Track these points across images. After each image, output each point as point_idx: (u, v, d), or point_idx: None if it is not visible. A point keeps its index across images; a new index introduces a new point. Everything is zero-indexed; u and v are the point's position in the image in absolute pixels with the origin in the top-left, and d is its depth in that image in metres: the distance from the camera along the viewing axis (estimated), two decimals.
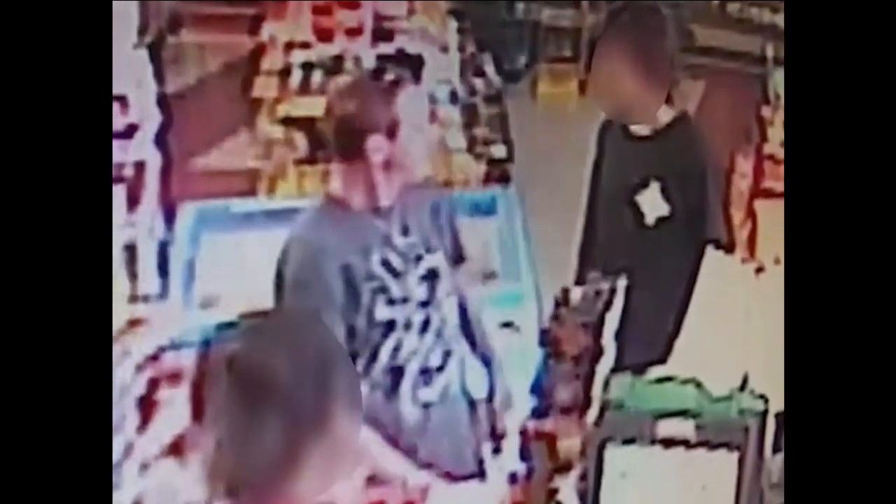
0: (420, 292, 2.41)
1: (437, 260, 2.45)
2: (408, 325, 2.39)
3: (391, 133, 2.29)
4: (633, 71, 2.61)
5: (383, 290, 2.35)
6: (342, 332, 2.30)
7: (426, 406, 2.42)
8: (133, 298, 3.03)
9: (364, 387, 2.34)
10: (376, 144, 2.29)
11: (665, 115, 2.70)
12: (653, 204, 2.69)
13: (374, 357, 2.37)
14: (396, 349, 2.38)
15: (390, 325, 2.37)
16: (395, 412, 2.39)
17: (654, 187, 2.68)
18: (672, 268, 2.48)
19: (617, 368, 2.05)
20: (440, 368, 2.44)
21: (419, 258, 2.41)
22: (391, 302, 2.36)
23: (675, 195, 2.66)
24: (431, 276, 2.43)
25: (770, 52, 4.02)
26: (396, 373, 2.39)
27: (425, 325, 2.41)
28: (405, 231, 2.40)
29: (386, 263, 2.36)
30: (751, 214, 3.73)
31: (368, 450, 2.28)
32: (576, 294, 2.27)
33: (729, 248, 2.50)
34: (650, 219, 2.70)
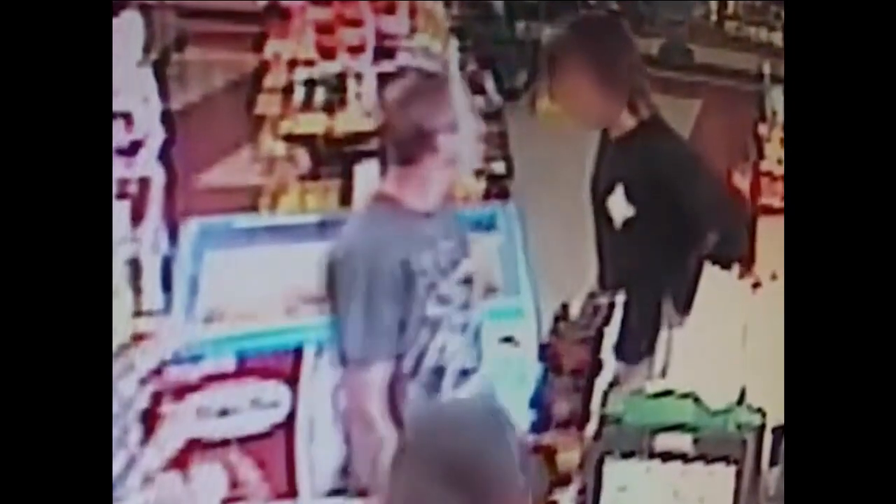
0: (460, 295, 2.50)
1: (471, 266, 2.56)
2: (451, 326, 2.47)
3: (453, 129, 2.41)
4: (591, 80, 2.71)
5: (433, 287, 2.44)
6: (396, 326, 2.38)
7: None
8: (137, 313, 3.05)
9: (414, 386, 2.43)
10: (443, 141, 2.40)
11: (629, 121, 2.77)
12: (619, 206, 2.75)
13: (422, 356, 2.44)
14: (442, 348, 2.46)
15: (438, 324, 2.45)
16: None
17: (619, 190, 2.74)
18: (649, 272, 2.55)
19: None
20: (474, 370, 2.53)
21: (456, 263, 2.51)
22: (440, 300, 2.46)
23: (642, 197, 2.71)
24: (467, 281, 2.53)
25: (767, 70, 4.05)
26: (440, 372, 2.47)
27: (464, 327, 2.50)
28: (446, 235, 2.51)
29: (435, 263, 2.46)
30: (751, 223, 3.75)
31: None
32: (574, 309, 2.30)
33: (741, 262, 2.50)
34: (618, 221, 2.76)
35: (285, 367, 3.17)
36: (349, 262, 2.39)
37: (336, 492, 2.50)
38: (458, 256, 2.52)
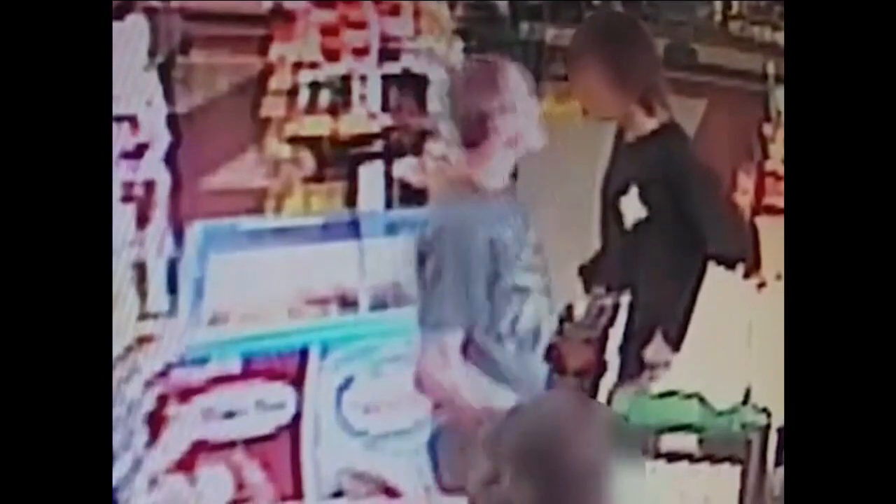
0: (537, 262, 2.63)
1: (538, 235, 2.68)
2: (539, 290, 2.60)
3: (510, 109, 2.54)
4: (605, 78, 2.75)
5: (518, 257, 2.56)
6: (488, 299, 2.48)
7: None
8: (142, 316, 3.07)
9: (510, 345, 2.53)
10: (501, 123, 2.52)
11: (649, 123, 2.78)
12: (631, 207, 2.77)
13: (516, 319, 2.55)
14: (536, 311, 2.57)
15: (527, 290, 2.56)
16: (533, 371, 2.53)
17: (633, 191, 2.76)
18: (657, 272, 2.57)
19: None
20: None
21: (528, 234, 2.64)
22: (527, 269, 2.58)
23: (655, 199, 2.73)
24: (538, 249, 2.66)
25: (771, 70, 4.06)
26: (536, 333, 2.57)
27: (547, 290, 2.63)
28: (515, 210, 2.64)
29: (516, 236, 2.58)
30: (752, 231, 3.75)
31: None
32: (579, 310, 2.31)
33: (744, 262, 2.51)
34: (629, 222, 2.77)
35: (290, 368, 3.18)
36: (439, 244, 2.50)
37: (340, 493, 2.51)
38: (527, 227, 2.64)
